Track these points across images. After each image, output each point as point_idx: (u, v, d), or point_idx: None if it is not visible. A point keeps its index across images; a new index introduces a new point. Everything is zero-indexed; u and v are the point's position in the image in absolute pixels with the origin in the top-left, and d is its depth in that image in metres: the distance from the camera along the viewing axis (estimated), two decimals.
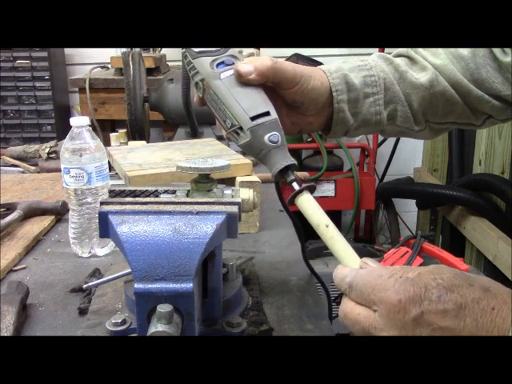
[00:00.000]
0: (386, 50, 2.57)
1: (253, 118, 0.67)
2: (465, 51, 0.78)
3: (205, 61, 0.71)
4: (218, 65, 0.71)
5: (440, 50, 0.80)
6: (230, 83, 0.69)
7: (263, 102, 0.69)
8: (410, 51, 0.81)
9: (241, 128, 0.68)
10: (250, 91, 0.69)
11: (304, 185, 0.64)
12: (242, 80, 0.69)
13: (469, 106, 0.80)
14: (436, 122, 0.82)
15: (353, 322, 0.54)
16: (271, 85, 0.72)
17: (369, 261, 0.58)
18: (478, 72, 0.78)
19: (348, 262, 0.59)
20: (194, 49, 0.73)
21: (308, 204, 0.63)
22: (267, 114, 0.67)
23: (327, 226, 0.61)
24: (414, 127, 0.81)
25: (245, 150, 0.70)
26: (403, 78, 0.79)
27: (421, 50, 0.81)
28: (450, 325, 0.48)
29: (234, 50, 0.73)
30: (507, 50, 0.76)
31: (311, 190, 0.65)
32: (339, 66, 0.78)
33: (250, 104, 0.68)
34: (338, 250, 0.60)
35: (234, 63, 0.71)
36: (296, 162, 0.67)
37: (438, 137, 0.89)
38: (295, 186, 0.65)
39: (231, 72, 0.70)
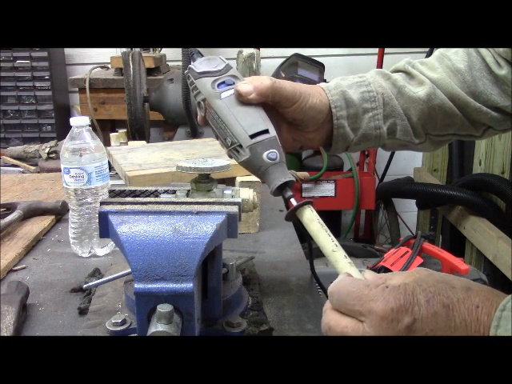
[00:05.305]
0: (386, 50, 2.58)
1: (252, 136, 0.68)
2: (461, 65, 0.80)
3: (206, 81, 0.73)
4: (219, 85, 0.73)
5: (436, 64, 0.81)
6: (230, 102, 0.71)
7: (262, 120, 0.70)
8: (407, 66, 0.82)
9: (240, 146, 0.69)
10: (249, 110, 0.71)
11: (301, 201, 0.65)
12: (242, 99, 0.71)
13: (467, 117, 0.81)
14: (436, 135, 0.84)
15: (339, 334, 0.53)
16: (271, 103, 0.73)
17: (368, 272, 0.57)
18: (474, 84, 0.79)
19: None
20: (196, 69, 0.75)
21: (308, 217, 0.64)
22: (266, 131, 0.69)
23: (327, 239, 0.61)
24: (414, 140, 0.82)
25: (245, 167, 0.71)
26: (401, 92, 0.80)
27: (418, 64, 0.83)
28: (442, 327, 0.49)
29: (234, 70, 0.75)
30: (502, 63, 0.78)
31: (309, 205, 0.65)
32: (338, 83, 0.79)
33: (250, 122, 0.69)
34: (337, 261, 0.60)
35: (234, 83, 0.73)
36: (294, 179, 0.69)
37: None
38: (293, 201, 0.66)
39: (232, 92, 0.72)
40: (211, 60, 0.76)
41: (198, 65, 0.75)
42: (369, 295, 0.51)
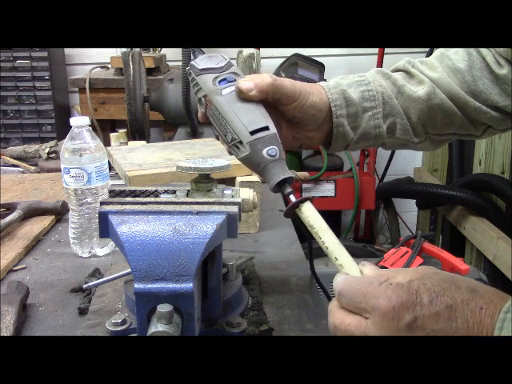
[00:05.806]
0: (386, 50, 2.57)
1: (252, 133, 0.68)
2: (461, 64, 0.80)
3: (207, 78, 0.74)
4: (220, 81, 0.73)
5: (436, 64, 0.82)
6: (231, 99, 0.71)
7: (263, 117, 0.70)
8: (407, 66, 0.83)
9: (240, 142, 0.69)
10: (250, 107, 0.71)
11: (300, 198, 0.65)
12: (243, 96, 0.71)
13: (467, 117, 0.81)
14: (436, 134, 0.84)
15: (343, 332, 0.53)
16: (271, 101, 0.74)
17: (368, 265, 0.58)
18: (474, 84, 0.79)
19: (347, 270, 0.59)
20: (197, 66, 0.75)
21: (308, 213, 0.64)
22: (266, 128, 0.69)
23: (327, 235, 0.61)
24: (413, 139, 0.82)
25: (244, 164, 0.71)
26: (401, 91, 0.81)
27: (418, 64, 0.83)
28: (443, 328, 0.49)
29: (235, 68, 0.76)
30: (502, 62, 0.78)
31: (309, 201, 0.65)
32: (338, 82, 0.80)
33: (250, 119, 0.69)
34: (337, 258, 0.60)
35: (235, 80, 0.73)
36: (293, 176, 0.69)
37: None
38: (292, 198, 0.66)
39: (232, 88, 0.72)
40: (213, 57, 0.76)
41: (200, 61, 0.76)
42: (373, 292, 0.52)
